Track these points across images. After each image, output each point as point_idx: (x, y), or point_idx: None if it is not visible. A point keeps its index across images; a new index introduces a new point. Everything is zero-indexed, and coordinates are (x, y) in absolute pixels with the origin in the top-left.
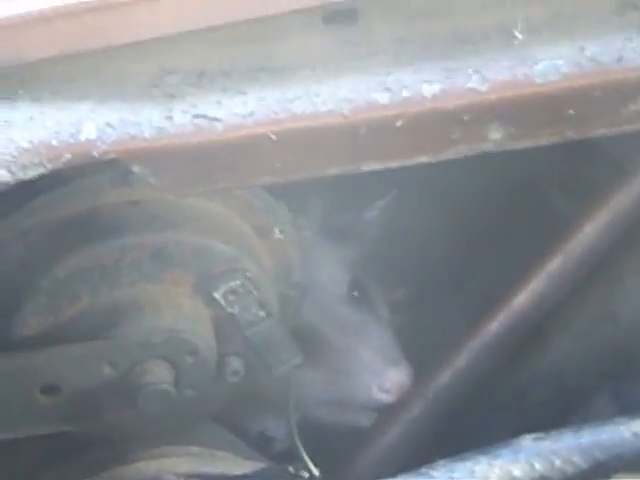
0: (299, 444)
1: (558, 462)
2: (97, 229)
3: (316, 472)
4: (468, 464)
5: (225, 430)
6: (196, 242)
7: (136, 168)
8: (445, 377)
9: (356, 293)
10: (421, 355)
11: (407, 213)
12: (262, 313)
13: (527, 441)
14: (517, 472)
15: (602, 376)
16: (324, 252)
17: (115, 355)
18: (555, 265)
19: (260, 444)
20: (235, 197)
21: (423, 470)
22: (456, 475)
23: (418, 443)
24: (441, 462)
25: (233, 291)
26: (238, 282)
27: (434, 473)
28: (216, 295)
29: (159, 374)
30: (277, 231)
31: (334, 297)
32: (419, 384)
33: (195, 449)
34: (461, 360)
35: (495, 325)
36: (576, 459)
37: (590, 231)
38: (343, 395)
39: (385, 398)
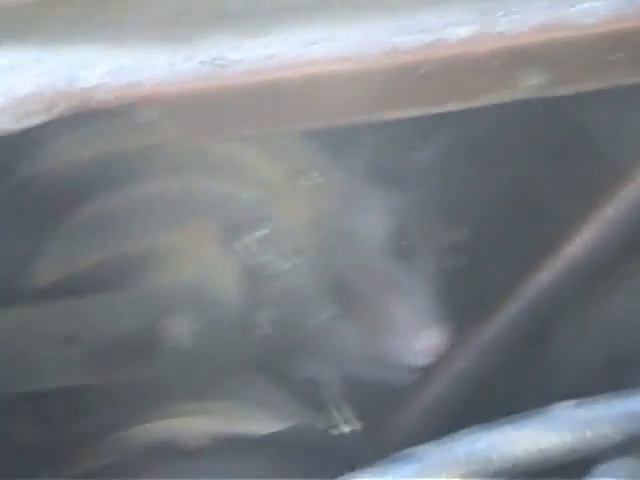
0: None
1: (590, 433)
2: (113, 176)
3: (347, 428)
4: (493, 434)
5: (264, 379)
6: (221, 188)
7: (148, 115)
8: (492, 330)
9: (403, 242)
10: (479, 300)
11: (463, 153)
12: (293, 262)
13: (559, 409)
14: (545, 444)
15: None
16: (369, 198)
17: (134, 308)
18: (610, 212)
19: (307, 390)
20: (266, 139)
21: (444, 440)
22: (479, 445)
23: (465, 396)
24: (464, 432)
25: (261, 240)
26: (266, 230)
27: (455, 444)
28: (244, 244)
29: (183, 328)
30: (312, 175)
31: (375, 248)
32: (468, 335)
33: (221, 405)
34: (511, 310)
35: (546, 275)
36: (609, 431)
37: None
38: (377, 354)
39: (419, 361)
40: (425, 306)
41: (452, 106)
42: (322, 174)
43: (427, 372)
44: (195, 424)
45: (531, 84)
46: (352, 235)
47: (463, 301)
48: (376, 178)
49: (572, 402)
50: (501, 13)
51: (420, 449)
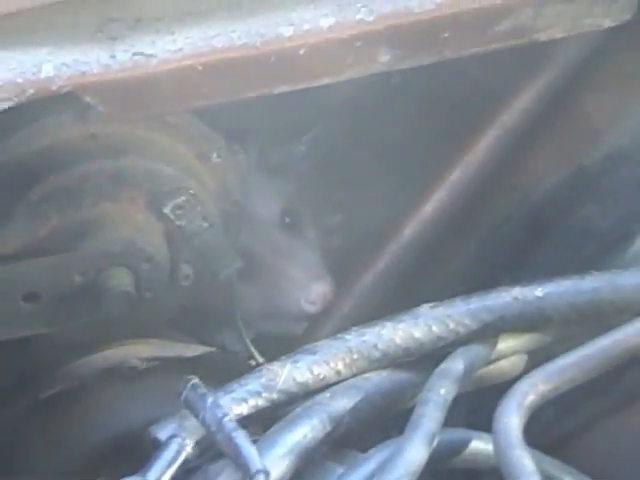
0: (245, 335)
1: (452, 324)
2: (62, 159)
3: (260, 359)
4: (376, 328)
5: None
6: (146, 166)
7: (88, 99)
8: (369, 278)
9: (288, 220)
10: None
11: (335, 144)
12: (205, 224)
13: (425, 308)
14: (418, 334)
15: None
16: (258, 183)
17: (83, 265)
18: (456, 177)
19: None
20: (176, 127)
21: (339, 335)
22: (366, 337)
23: None
24: (354, 328)
25: (179, 206)
26: (183, 198)
27: (347, 337)
28: (165, 210)
29: (121, 279)
30: (215, 155)
31: (267, 223)
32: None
33: (155, 340)
34: (381, 262)
35: (408, 230)
36: (467, 321)
37: (484, 145)
38: (277, 308)
39: (311, 309)
40: (312, 265)
41: (326, 80)
42: (221, 156)
43: (317, 320)
44: (139, 350)
45: (386, 60)
46: (248, 209)
47: (344, 257)
48: (263, 167)
49: (435, 302)
50: (360, 4)
51: (319, 343)
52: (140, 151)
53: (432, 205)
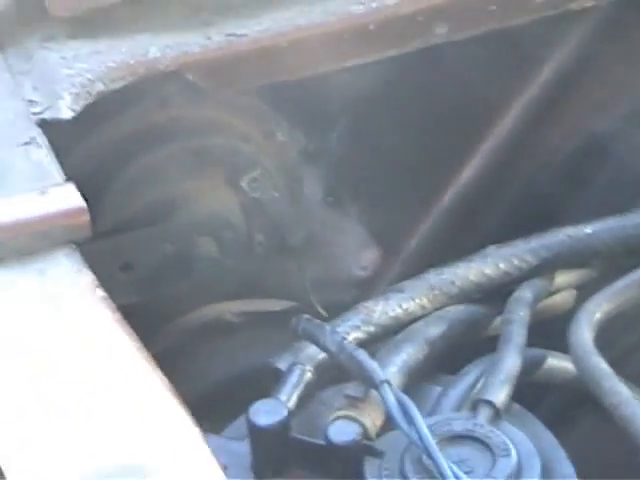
0: (313, 297)
1: (516, 261)
2: (153, 141)
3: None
4: (452, 268)
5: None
6: (224, 144)
7: (190, 76)
8: (413, 242)
9: (330, 199)
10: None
11: (364, 133)
12: (277, 194)
13: (491, 249)
14: (487, 270)
15: None
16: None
17: (173, 235)
18: (486, 147)
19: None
20: (246, 109)
21: (419, 275)
22: (444, 276)
23: None
24: (432, 269)
25: (254, 179)
26: (257, 172)
27: (427, 276)
28: (242, 184)
29: (207, 246)
30: (279, 134)
31: (313, 202)
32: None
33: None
34: (424, 227)
35: (447, 197)
36: (528, 258)
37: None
38: (331, 277)
39: (363, 274)
40: (359, 235)
41: (393, 52)
42: (284, 135)
43: (367, 285)
44: (231, 306)
45: (442, 32)
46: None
47: (387, 227)
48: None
49: (500, 244)
50: None
51: (404, 283)
52: (218, 131)
53: (467, 173)
